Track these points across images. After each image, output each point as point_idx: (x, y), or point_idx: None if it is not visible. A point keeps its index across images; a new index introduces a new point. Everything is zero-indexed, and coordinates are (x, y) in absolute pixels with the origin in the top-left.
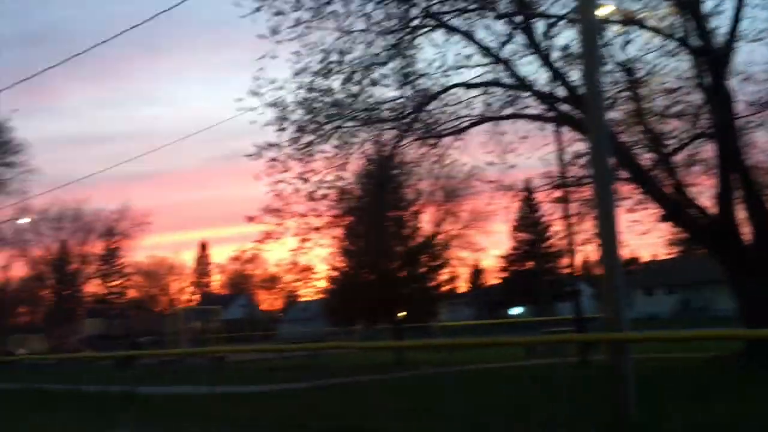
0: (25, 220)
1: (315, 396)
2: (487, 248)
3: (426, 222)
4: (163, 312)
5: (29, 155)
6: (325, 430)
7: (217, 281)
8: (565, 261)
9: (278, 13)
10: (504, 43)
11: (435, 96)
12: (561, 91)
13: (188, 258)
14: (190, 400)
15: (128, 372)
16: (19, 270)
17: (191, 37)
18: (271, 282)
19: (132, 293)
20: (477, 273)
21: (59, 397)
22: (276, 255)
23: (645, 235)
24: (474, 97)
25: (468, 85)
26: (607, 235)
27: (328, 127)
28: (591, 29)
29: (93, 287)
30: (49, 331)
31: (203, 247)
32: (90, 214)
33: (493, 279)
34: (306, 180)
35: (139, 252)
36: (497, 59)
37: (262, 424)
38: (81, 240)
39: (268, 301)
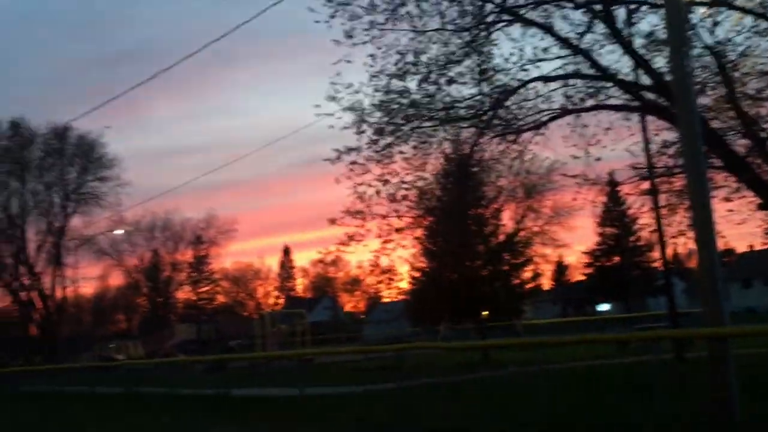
0: (119, 232)
1: (403, 396)
2: (571, 244)
3: (507, 219)
4: (251, 316)
5: (121, 169)
6: (415, 431)
7: (301, 285)
8: (654, 255)
9: (353, 18)
10: (583, 33)
11: (513, 91)
12: (646, 80)
13: (273, 263)
14: (280, 401)
15: (220, 375)
16: (116, 279)
17: (268, 47)
18: (353, 284)
19: (220, 299)
20: (561, 270)
21: (157, 400)
22: (358, 257)
23: (741, 225)
24: (553, 90)
25: (547, 79)
26: (703, 225)
27: (406, 128)
28: (677, 13)
29: (184, 294)
30: (144, 336)
31: (287, 251)
32: (179, 223)
33: (578, 275)
34: (386, 182)
35: (226, 258)
36: (577, 50)
37: (351, 425)
38: (171, 249)
39: (352, 303)
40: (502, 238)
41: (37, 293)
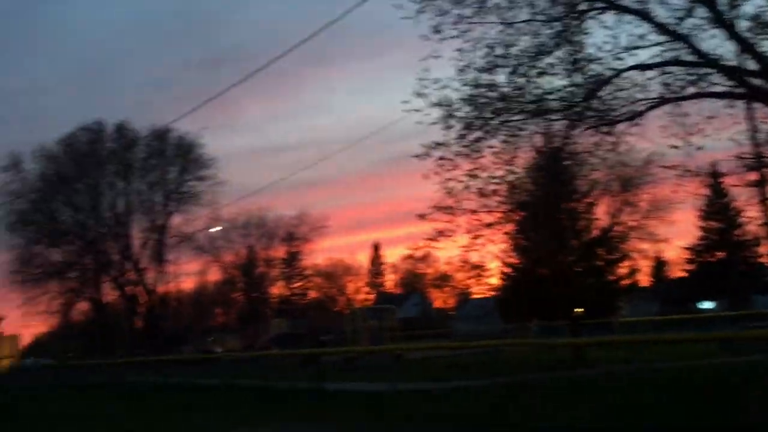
0: (216, 229)
1: (494, 393)
2: (670, 239)
3: (602, 214)
4: (342, 311)
5: (218, 168)
6: (509, 427)
7: (390, 281)
8: (762, 249)
9: (440, 13)
10: (683, 18)
11: (607, 81)
12: (751, 65)
13: (363, 259)
14: (372, 396)
15: (313, 369)
16: (214, 275)
17: (356, 45)
18: (443, 280)
19: (313, 294)
20: (660, 266)
21: (253, 392)
22: (447, 253)
23: None
24: (651, 78)
25: (643, 67)
26: None
27: (495, 121)
28: None
29: (278, 289)
30: (241, 330)
31: (376, 248)
32: (272, 220)
33: (678, 272)
34: (475, 176)
35: (318, 255)
36: (676, 36)
37: (441, 421)
38: (265, 245)
39: (441, 299)
40: (596, 233)
41: (141, 288)
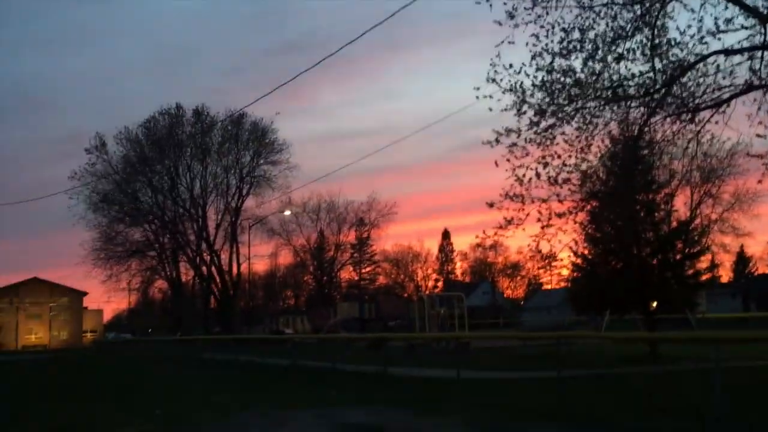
0: (288, 213)
1: (561, 385)
2: (755, 233)
3: (681, 205)
4: (410, 298)
5: (290, 153)
6: (576, 420)
7: (459, 269)
8: None
9: None
10: None
11: (690, 66)
12: None
13: (432, 246)
14: (437, 382)
15: (380, 353)
16: (285, 258)
17: (429, 31)
18: (512, 269)
19: (381, 279)
20: (743, 260)
21: (321, 374)
22: (518, 242)
23: None
24: (737, 64)
25: (729, 52)
26: None
27: (569, 108)
28: None
29: (347, 273)
30: (310, 313)
31: (446, 235)
32: (342, 205)
33: (763, 267)
34: (547, 164)
35: (387, 241)
36: (766, 19)
37: (507, 411)
38: (335, 230)
39: (510, 289)
40: (674, 225)
41: (215, 269)
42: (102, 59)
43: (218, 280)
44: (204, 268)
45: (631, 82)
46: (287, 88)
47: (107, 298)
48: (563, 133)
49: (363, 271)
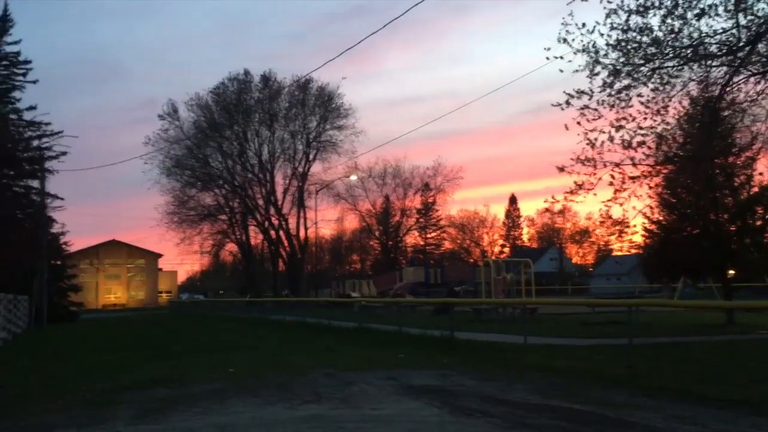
0: (354, 178)
1: (632, 353)
2: None
3: (763, 169)
4: (476, 263)
5: (356, 118)
6: (647, 388)
7: (526, 234)
8: None
9: None
10: None
11: None
12: None
13: (498, 211)
14: (504, 347)
15: (445, 318)
16: (351, 222)
17: None
18: (581, 235)
19: (447, 245)
20: None
21: (388, 336)
22: (587, 207)
23: None
24: None
25: None
26: None
27: (645, 68)
28: None
29: (412, 239)
30: (375, 277)
31: (513, 200)
32: (408, 170)
33: None
34: (620, 127)
35: (452, 206)
36: None
37: (573, 377)
38: (401, 195)
39: (579, 255)
40: (755, 190)
41: (284, 233)
42: (172, 27)
43: (286, 244)
44: (272, 232)
45: (712, 40)
46: (353, 53)
47: (180, 260)
48: (639, 95)
49: (428, 236)
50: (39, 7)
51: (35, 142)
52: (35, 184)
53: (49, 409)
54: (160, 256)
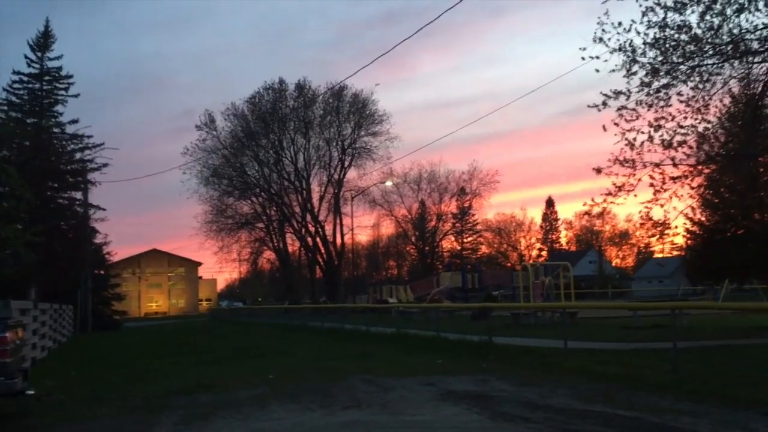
0: (389, 183)
1: (678, 357)
2: None
3: None
4: (513, 267)
5: (390, 124)
6: (693, 393)
7: (564, 237)
8: None
9: None
10: None
11: None
12: None
13: (536, 215)
14: (543, 352)
15: (483, 323)
16: (387, 228)
17: None
18: (621, 238)
19: (484, 249)
20: None
21: (426, 342)
22: (627, 209)
23: None
24: None
25: None
26: None
27: (684, 66)
28: None
29: (448, 243)
30: (412, 282)
31: (550, 203)
32: (443, 175)
33: None
34: (659, 127)
35: (489, 209)
36: None
37: (614, 382)
38: (437, 200)
39: (619, 258)
40: None
41: (320, 239)
42: (210, 38)
43: (323, 251)
44: (309, 239)
45: (753, 36)
46: (387, 58)
47: (219, 268)
48: (679, 93)
49: (465, 240)
50: (80, 20)
51: (78, 155)
52: (78, 195)
53: (91, 416)
54: (199, 264)
